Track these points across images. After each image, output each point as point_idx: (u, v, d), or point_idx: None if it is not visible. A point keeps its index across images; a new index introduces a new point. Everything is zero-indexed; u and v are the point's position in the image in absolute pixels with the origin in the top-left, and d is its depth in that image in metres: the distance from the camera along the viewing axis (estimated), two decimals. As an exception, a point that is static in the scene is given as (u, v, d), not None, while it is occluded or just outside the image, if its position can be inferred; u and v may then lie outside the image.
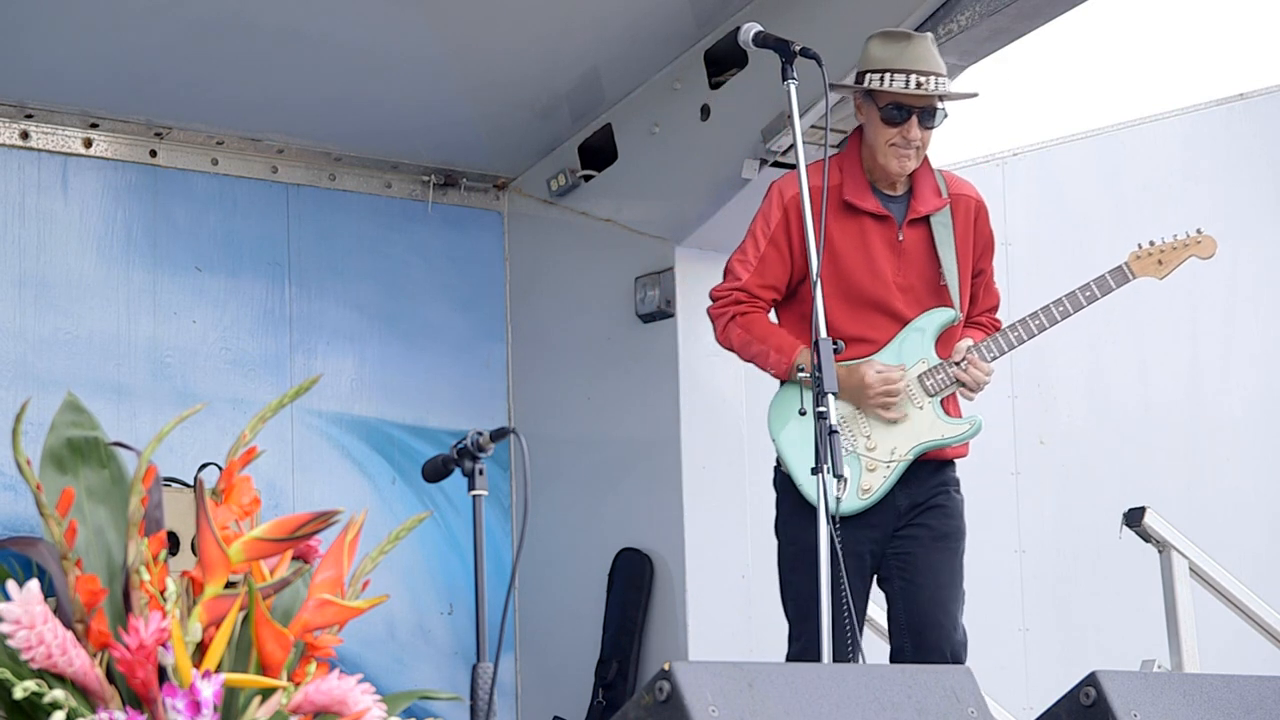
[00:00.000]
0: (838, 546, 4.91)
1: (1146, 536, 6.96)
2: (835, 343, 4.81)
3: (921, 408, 5.29)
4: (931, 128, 5.27)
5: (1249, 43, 10.96)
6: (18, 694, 3.04)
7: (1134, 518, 6.94)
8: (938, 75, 5.27)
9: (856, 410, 5.27)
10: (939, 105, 5.27)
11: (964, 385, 5.31)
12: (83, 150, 6.81)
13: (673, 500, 7.03)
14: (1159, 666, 6.83)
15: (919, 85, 5.23)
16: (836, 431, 4.72)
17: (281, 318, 7.13)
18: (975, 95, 5.43)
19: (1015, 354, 5.50)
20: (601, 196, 7.31)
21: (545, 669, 7.39)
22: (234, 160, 7.10)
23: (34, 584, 3.08)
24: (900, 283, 5.30)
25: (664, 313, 7.12)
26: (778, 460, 5.37)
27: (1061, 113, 9.93)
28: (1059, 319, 5.35)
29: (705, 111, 6.93)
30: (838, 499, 4.89)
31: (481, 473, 3.70)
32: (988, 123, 9.40)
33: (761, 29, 5.12)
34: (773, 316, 5.43)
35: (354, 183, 7.36)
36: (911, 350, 5.31)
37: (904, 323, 5.32)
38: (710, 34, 6.85)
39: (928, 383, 5.30)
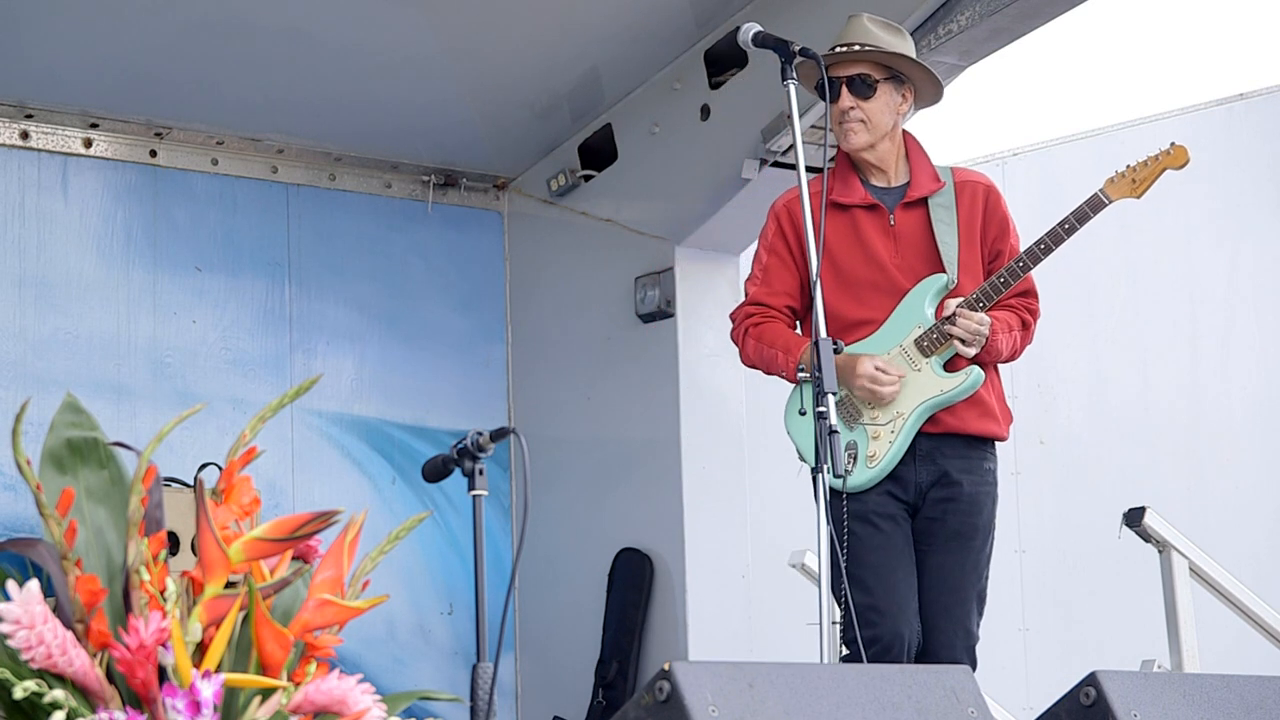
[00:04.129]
0: (843, 526, 5.05)
1: (1146, 536, 6.96)
2: (835, 343, 4.81)
3: (919, 369, 5.27)
4: (864, 96, 5.24)
5: (1249, 43, 10.96)
6: (18, 694, 3.03)
7: (1134, 518, 6.93)
8: (863, 45, 5.27)
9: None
10: (866, 73, 5.24)
11: (959, 340, 5.27)
12: (83, 150, 6.81)
13: (673, 500, 7.03)
14: (1159, 666, 6.83)
15: (834, 50, 5.24)
16: (837, 431, 4.72)
17: (281, 318, 7.13)
18: (901, 55, 5.33)
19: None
20: (601, 196, 7.31)
21: (545, 669, 7.39)
22: (234, 160, 7.10)
23: (34, 584, 3.08)
24: (898, 264, 5.28)
25: (664, 313, 7.12)
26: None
27: (1061, 113, 9.93)
28: (1042, 257, 5.24)
29: (705, 111, 6.94)
30: (847, 473, 5.03)
31: (481, 473, 3.69)
32: (988, 123, 9.40)
33: (761, 29, 5.12)
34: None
35: (354, 183, 7.36)
36: (907, 318, 5.29)
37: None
38: (710, 34, 6.85)
39: (924, 344, 5.29)
